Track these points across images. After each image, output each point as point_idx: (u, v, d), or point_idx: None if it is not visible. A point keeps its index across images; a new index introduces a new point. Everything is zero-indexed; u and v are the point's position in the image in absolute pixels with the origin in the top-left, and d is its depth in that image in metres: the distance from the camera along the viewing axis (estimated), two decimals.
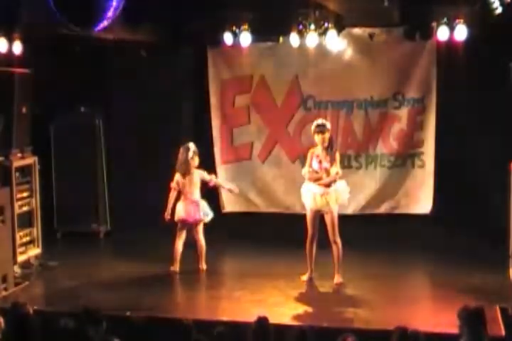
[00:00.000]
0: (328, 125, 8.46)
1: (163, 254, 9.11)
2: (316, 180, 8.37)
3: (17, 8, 8.24)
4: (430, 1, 8.37)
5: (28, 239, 9.31)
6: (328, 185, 8.34)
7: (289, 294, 8.15)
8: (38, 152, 9.66)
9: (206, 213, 8.98)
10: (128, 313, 7.02)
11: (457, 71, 9.54)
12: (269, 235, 9.98)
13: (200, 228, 8.99)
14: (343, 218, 8.60)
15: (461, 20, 8.34)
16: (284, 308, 7.65)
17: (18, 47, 8.92)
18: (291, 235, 9.17)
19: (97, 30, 7.42)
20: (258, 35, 9.28)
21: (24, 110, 9.28)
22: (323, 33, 8.99)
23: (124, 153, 10.73)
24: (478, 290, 8.01)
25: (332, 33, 8.98)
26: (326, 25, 8.93)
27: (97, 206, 10.93)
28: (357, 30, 9.96)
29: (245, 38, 9.14)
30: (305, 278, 8.63)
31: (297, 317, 7.42)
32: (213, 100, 10.71)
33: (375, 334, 6.47)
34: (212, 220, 9.21)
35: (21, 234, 9.15)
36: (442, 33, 8.53)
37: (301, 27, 8.97)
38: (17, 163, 9.11)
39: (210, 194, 9.95)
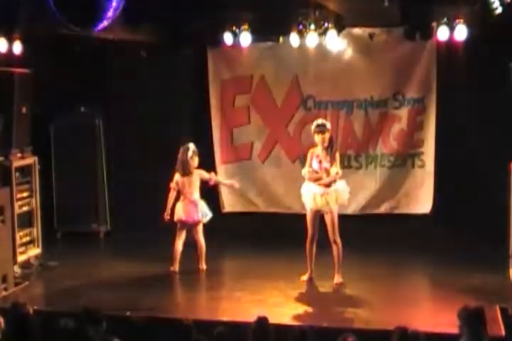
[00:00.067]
0: (328, 125, 8.47)
1: (163, 254, 9.11)
2: (316, 180, 8.37)
3: (17, 8, 8.24)
4: (430, 1, 8.37)
5: (28, 239, 9.32)
6: (328, 185, 8.34)
7: (289, 294, 8.15)
8: (38, 152, 9.66)
9: (205, 214, 8.98)
10: (128, 313, 7.02)
11: (457, 71, 9.54)
12: (269, 235, 9.98)
13: (200, 228, 8.99)
14: (343, 218, 8.60)
15: (461, 20, 8.35)
16: (284, 308, 7.65)
17: (18, 47, 8.93)
18: (291, 235, 9.17)
19: (97, 30, 7.42)
20: (258, 35, 9.28)
21: (24, 110, 9.28)
22: (323, 33, 8.99)
23: (124, 153, 10.73)
24: (478, 290, 8.01)
25: (332, 33, 8.99)
26: (326, 25, 8.93)
27: (97, 206, 10.93)
28: (357, 30, 9.96)
29: (245, 38, 9.15)
30: (305, 278, 8.63)
31: (297, 317, 7.43)
32: (213, 100, 10.71)
33: (375, 335, 6.47)
34: (212, 220, 9.21)
35: (21, 234, 9.15)
36: (442, 33, 8.53)
37: (301, 27, 8.98)
38: (17, 163, 9.11)
39: (210, 194, 9.95)
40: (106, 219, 10.99)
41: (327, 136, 8.36)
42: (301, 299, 8.06)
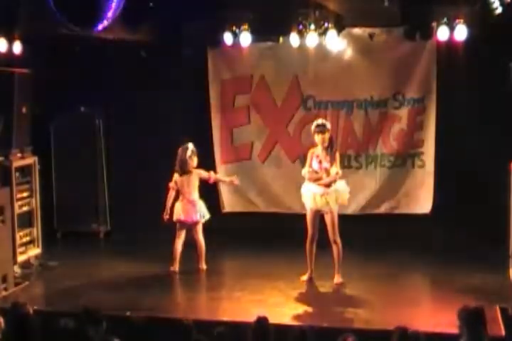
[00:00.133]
0: (328, 125, 8.46)
1: (163, 254, 9.11)
2: (316, 180, 8.37)
3: (17, 8, 8.25)
4: (430, 1, 8.39)
5: (28, 239, 9.31)
6: (328, 185, 8.34)
7: (289, 294, 8.15)
8: (38, 152, 9.66)
9: (203, 214, 8.97)
10: (128, 313, 7.02)
11: (457, 71, 9.54)
12: (269, 235, 9.98)
13: (199, 228, 8.99)
14: (343, 218, 8.59)
15: (461, 20, 8.36)
16: (284, 308, 7.65)
17: (18, 47, 8.93)
18: (291, 235, 9.17)
19: (97, 30, 7.43)
20: (258, 35, 9.30)
21: (24, 110, 9.28)
22: (323, 33, 9.01)
23: (124, 153, 10.73)
24: (478, 290, 8.01)
25: (332, 33, 9.00)
26: (326, 25, 8.94)
27: (97, 206, 10.93)
28: (357, 30, 9.96)
29: (245, 38, 9.16)
30: (305, 278, 8.63)
31: (297, 317, 7.42)
32: (213, 100, 10.71)
33: (375, 335, 6.47)
34: (212, 220, 9.21)
35: (21, 234, 9.15)
36: (442, 33, 8.55)
37: (301, 27, 8.99)
38: (17, 163, 9.11)
39: (210, 194, 9.96)
40: (106, 219, 10.99)
41: (327, 136, 8.36)
42: (301, 299, 8.06)
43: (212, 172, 9.14)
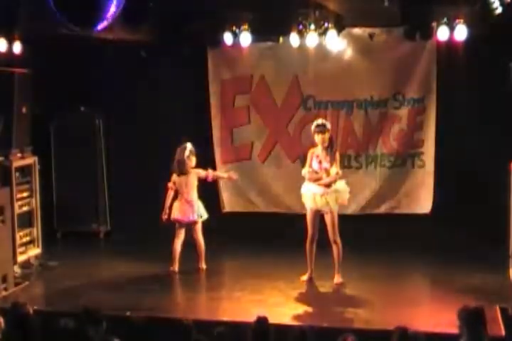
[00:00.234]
0: (328, 125, 8.47)
1: (163, 254, 9.11)
2: (316, 180, 8.37)
3: (17, 8, 8.25)
4: (430, 1, 8.37)
5: (28, 239, 9.32)
6: (328, 185, 8.34)
7: (289, 294, 8.15)
8: (38, 152, 9.66)
9: (200, 214, 8.97)
10: (128, 313, 7.02)
11: (457, 71, 9.54)
12: (269, 235, 9.98)
13: (198, 228, 9.00)
14: (343, 218, 8.60)
15: (461, 20, 8.35)
16: (284, 308, 7.65)
17: (18, 47, 8.93)
18: (291, 235, 9.18)
19: (97, 30, 7.42)
20: (258, 35, 9.29)
21: (24, 110, 9.28)
22: (323, 33, 9.00)
23: (124, 153, 10.73)
24: (478, 290, 8.01)
25: (332, 33, 8.99)
26: (326, 25, 8.94)
27: (97, 206, 10.94)
28: (357, 30, 9.96)
29: (245, 38, 9.16)
30: (305, 278, 8.63)
31: (297, 317, 7.43)
32: (213, 100, 10.71)
33: (375, 335, 6.47)
34: (212, 220, 9.22)
35: (21, 234, 9.15)
36: (442, 33, 8.54)
37: (301, 27, 8.98)
38: (17, 163, 9.12)
39: (210, 194, 9.97)
40: (106, 219, 10.99)
41: (327, 136, 8.37)
42: (301, 299, 8.06)
43: (209, 170, 9.12)
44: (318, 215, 8.44)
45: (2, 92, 8.94)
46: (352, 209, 10.08)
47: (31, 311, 5.97)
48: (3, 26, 8.59)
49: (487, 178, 9.44)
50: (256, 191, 10.72)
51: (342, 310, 7.68)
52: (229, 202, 10.81)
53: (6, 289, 8.31)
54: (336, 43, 9.47)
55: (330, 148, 8.38)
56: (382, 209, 10.35)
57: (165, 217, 8.92)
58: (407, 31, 9.14)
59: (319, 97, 10.39)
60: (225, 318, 7.29)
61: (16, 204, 9.00)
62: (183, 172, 8.89)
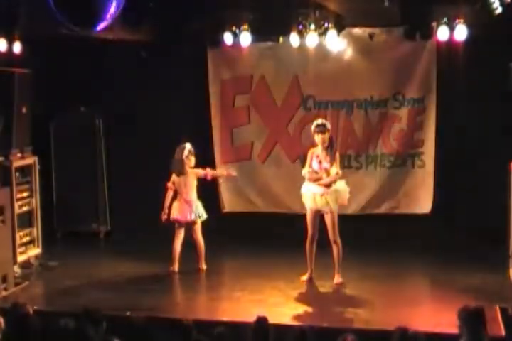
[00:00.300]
0: (328, 125, 8.47)
1: (163, 254, 9.10)
2: (316, 180, 8.37)
3: (17, 8, 8.25)
4: (430, 1, 8.38)
5: (28, 239, 9.31)
6: (328, 185, 8.34)
7: (289, 294, 8.15)
8: (38, 152, 9.66)
9: (199, 214, 8.96)
10: (128, 313, 7.02)
11: (457, 71, 9.54)
12: (269, 235, 9.98)
13: (198, 228, 9.00)
14: (343, 218, 8.59)
15: (461, 20, 8.35)
16: (284, 308, 7.65)
17: (18, 47, 8.93)
18: (291, 235, 9.17)
19: (97, 30, 7.42)
20: (258, 35, 9.29)
21: (24, 110, 9.28)
22: (323, 33, 9.00)
23: (124, 153, 10.73)
24: (478, 290, 8.01)
25: (332, 33, 9.00)
26: (326, 25, 8.94)
27: (97, 206, 10.94)
28: (357, 30, 9.96)
29: (245, 38, 9.15)
30: (305, 278, 8.63)
31: (297, 317, 7.42)
32: (213, 100, 10.71)
33: (375, 335, 6.47)
34: (212, 220, 9.22)
35: (21, 234, 9.15)
36: (442, 33, 8.54)
37: (301, 27, 8.99)
38: (17, 163, 9.11)
39: (210, 194, 9.97)
40: (106, 219, 10.99)
41: (327, 136, 8.37)
42: (301, 299, 8.06)
43: (208, 169, 9.10)
44: (318, 215, 8.45)
45: (2, 92, 8.94)
46: (352, 209, 10.07)
47: (31, 311, 5.97)
48: (3, 26, 8.59)
49: (487, 178, 9.44)
50: (256, 191, 10.72)
51: (342, 310, 7.68)
52: (229, 202, 10.80)
53: (6, 289, 8.31)
54: (336, 43, 9.47)
55: (330, 148, 8.39)
56: (382, 209, 10.35)
57: (164, 217, 8.93)
58: (407, 31, 9.14)
59: (319, 97, 10.39)
60: (225, 318, 7.28)
61: (16, 204, 9.00)
62: (181, 172, 8.89)
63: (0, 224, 8.35)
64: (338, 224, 8.38)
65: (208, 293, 8.55)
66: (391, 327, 5.58)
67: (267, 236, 9.93)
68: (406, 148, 10.21)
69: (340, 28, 9.12)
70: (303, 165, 8.77)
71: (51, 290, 8.68)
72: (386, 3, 7.85)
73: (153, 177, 9.68)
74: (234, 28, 9.15)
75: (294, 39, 9.15)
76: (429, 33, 8.85)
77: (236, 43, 9.31)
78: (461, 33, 8.42)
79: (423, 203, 10.17)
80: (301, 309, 7.72)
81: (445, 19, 8.42)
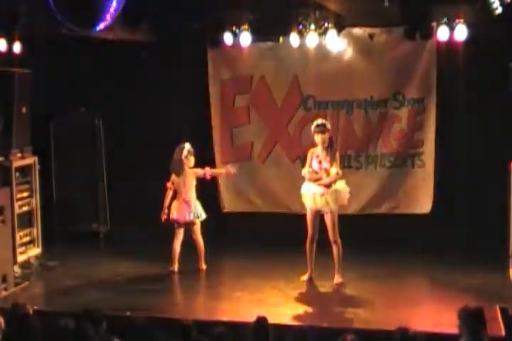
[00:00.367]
0: (328, 125, 8.47)
1: (163, 254, 9.10)
2: (316, 180, 8.37)
3: (17, 8, 8.25)
4: (430, 1, 8.38)
5: (28, 239, 9.31)
6: (328, 185, 8.34)
7: (289, 294, 8.15)
8: (38, 152, 9.66)
9: (198, 214, 8.96)
10: (128, 313, 7.02)
11: (457, 71, 9.54)
12: (269, 235, 9.97)
13: (197, 228, 9.00)
14: (343, 218, 8.59)
15: (461, 20, 8.35)
16: (284, 308, 7.65)
17: (18, 47, 8.93)
18: (291, 235, 9.17)
19: (97, 30, 7.43)
20: (258, 35, 9.29)
21: (24, 110, 9.28)
22: (323, 33, 9.01)
23: (124, 153, 10.73)
24: (478, 290, 8.02)
25: (332, 33, 9.00)
26: (326, 25, 8.94)
27: (97, 206, 10.94)
28: (357, 30, 9.96)
29: (245, 38, 9.16)
30: (305, 278, 8.63)
31: (297, 317, 7.42)
32: (213, 100, 10.71)
33: (375, 335, 6.47)
34: (213, 220, 9.22)
35: (21, 234, 9.14)
36: (442, 33, 8.54)
37: (301, 27, 8.99)
38: (17, 163, 9.11)
39: (210, 194, 9.97)
40: (106, 219, 10.99)
41: (327, 136, 8.37)
42: (301, 299, 8.06)
43: (207, 168, 9.09)
44: (318, 215, 8.45)
45: (2, 92, 8.94)
46: (352, 209, 10.06)
47: (31, 311, 5.97)
48: (3, 26, 8.59)
49: (487, 178, 9.44)
50: (256, 191, 10.72)
51: (342, 310, 7.69)
52: (229, 202, 10.80)
53: (6, 289, 8.31)
54: (336, 43, 9.47)
55: (330, 148, 8.39)
56: (383, 209, 10.34)
57: (164, 217, 8.93)
58: (407, 31, 9.15)
59: (319, 97, 10.39)
60: (225, 318, 7.27)
61: (16, 204, 8.99)
62: (180, 172, 8.90)
63: (0, 224, 8.35)
64: (338, 224, 8.39)
65: (208, 293, 8.55)
66: (391, 327, 5.59)
67: (267, 236, 9.92)
68: (406, 148, 10.20)
69: (340, 28, 9.13)
70: (303, 165, 8.77)
71: (51, 290, 8.68)
72: (386, 3, 7.86)
73: (153, 177, 9.68)
74: (234, 28, 9.15)
75: (294, 39, 9.15)
76: (429, 33, 8.86)
77: (236, 43, 9.31)
78: (461, 33, 8.42)
79: (423, 203, 10.16)
80: (301, 309, 7.72)
81: (445, 19, 8.42)
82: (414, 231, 9.83)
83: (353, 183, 9.20)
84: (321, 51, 9.67)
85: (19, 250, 9.04)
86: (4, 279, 8.30)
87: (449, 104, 9.84)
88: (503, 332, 6.55)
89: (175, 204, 8.95)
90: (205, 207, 9.11)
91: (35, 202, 9.48)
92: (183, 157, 8.86)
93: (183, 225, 8.98)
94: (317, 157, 8.41)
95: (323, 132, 8.34)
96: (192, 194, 8.95)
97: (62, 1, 7.14)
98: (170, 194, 8.97)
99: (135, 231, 10.33)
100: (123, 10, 7.36)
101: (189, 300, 8.35)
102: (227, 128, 10.74)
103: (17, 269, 8.91)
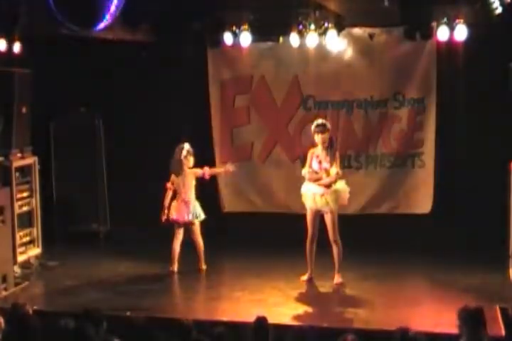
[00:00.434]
0: (328, 125, 8.48)
1: (163, 254, 9.11)
2: (316, 180, 8.38)
3: (17, 8, 8.26)
4: (430, 1, 8.38)
5: (28, 239, 9.31)
6: (328, 186, 8.34)
7: (289, 294, 8.15)
8: (38, 152, 9.66)
9: (197, 215, 8.96)
10: (128, 313, 7.02)
11: (457, 71, 9.54)
12: (269, 235, 9.97)
13: (196, 228, 9.00)
14: (343, 218, 8.60)
15: (461, 20, 8.35)
16: (284, 308, 7.65)
17: (18, 47, 8.93)
18: (291, 235, 9.17)
19: (97, 30, 7.43)
20: (258, 35, 9.29)
21: (24, 110, 9.28)
22: (323, 33, 9.01)
23: (124, 152, 10.73)
24: (478, 290, 8.02)
25: (332, 33, 9.00)
26: (326, 25, 8.95)
27: (97, 206, 10.94)
28: (357, 30, 9.96)
29: (245, 38, 9.16)
30: (305, 278, 8.63)
31: (297, 317, 7.42)
32: (213, 100, 10.71)
33: (376, 335, 6.47)
34: (212, 220, 9.22)
35: (21, 234, 9.15)
36: (442, 33, 8.54)
37: (301, 27, 8.99)
38: (17, 163, 9.11)
39: (211, 194, 9.97)
40: (106, 219, 10.99)
41: (327, 136, 8.37)
42: (301, 299, 8.06)
43: (205, 168, 9.08)
44: (318, 215, 8.45)
45: (2, 92, 8.94)
46: (352, 209, 10.06)
47: (31, 311, 5.97)
48: (3, 26, 8.59)
49: (487, 178, 9.43)
50: (256, 191, 10.72)
51: (342, 310, 7.69)
52: (229, 202, 10.80)
53: (6, 289, 8.31)
54: (336, 43, 9.47)
55: (330, 148, 8.39)
56: (382, 209, 10.34)
57: (164, 217, 8.93)
58: (407, 31, 9.14)
59: (319, 97, 10.39)
60: (225, 318, 7.27)
61: (16, 204, 9.00)
62: (179, 172, 8.90)
63: (0, 224, 8.35)
64: (338, 224, 8.39)
65: (208, 293, 8.54)
66: (391, 327, 5.59)
67: (267, 236, 9.92)
68: (406, 148, 10.20)
69: (340, 28, 9.13)
70: (303, 165, 8.77)
71: (51, 290, 8.69)
72: (386, 3, 7.86)
73: (153, 177, 9.68)
74: (234, 28, 9.15)
75: (294, 39, 9.15)
76: (429, 33, 8.86)
77: (236, 43, 9.32)
78: (461, 33, 8.42)
79: (423, 203, 10.16)
80: (301, 309, 7.72)
81: (445, 19, 8.42)
82: (414, 231, 9.82)
83: (353, 183, 9.20)
84: (321, 51, 9.67)
85: (19, 250, 9.04)
86: (4, 279, 8.30)
87: (449, 104, 9.84)
88: (503, 332, 6.55)
89: (174, 204, 8.96)
90: (205, 207, 9.11)
91: (35, 202, 9.48)
92: (182, 157, 8.87)
93: (183, 225, 8.98)
94: (317, 157, 8.41)
95: (323, 132, 8.35)
96: (191, 194, 8.95)
97: (62, 1, 7.14)
98: (170, 194, 8.97)
99: (135, 231, 10.33)
100: (123, 10, 7.35)
101: (189, 300, 8.35)
102: (227, 128, 10.74)
103: (17, 269, 8.91)
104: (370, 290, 8.29)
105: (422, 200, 10.17)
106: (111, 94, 10.58)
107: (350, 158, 10.33)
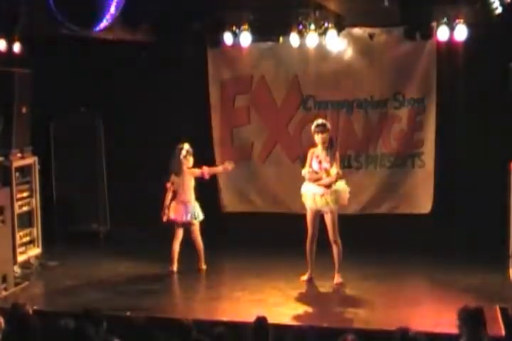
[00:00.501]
0: (328, 125, 8.48)
1: (163, 254, 9.11)
2: (316, 180, 8.37)
3: (17, 8, 8.26)
4: (430, 1, 8.38)
5: (28, 239, 9.32)
6: (328, 186, 8.34)
7: (289, 294, 8.15)
8: (38, 152, 9.66)
9: (195, 215, 8.96)
10: (128, 313, 7.02)
11: (457, 71, 9.54)
12: (269, 235, 9.97)
13: (195, 228, 9.00)
14: (343, 218, 8.60)
15: (461, 20, 8.35)
16: (284, 308, 7.65)
17: (18, 47, 8.93)
18: (291, 235, 9.17)
19: (97, 30, 7.43)
20: (258, 35, 9.29)
21: (24, 110, 9.28)
22: (323, 33, 9.01)
23: (124, 152, 10.73)
24: (478, 290, 8.02)
25: (332, 33, 9.00)
26: (326, 25, 8.95)
27: (97, 206, 10.94)
28: (357, 30, 9.96)
29: (245, 38, 9.16)
30: (305, 278, 8.63)
31: (297, 317, 7.42)
32: (213, 100, 10.71)
33: (376, 335, 6.47)
34: (212, 220, 9.22)
35: (21, 234, 9.15)
36: (442, 33, 8.54)
37: (301, 27, 8.99)
38: (17, 163, 9.11)
39: (211, 194, 9.96)
40: (106, 219, 10.99)
41: (327, 136, 8.37)
42: (301, 299, 8.06)
43: (204, 167, 9.07)
44: (318, 215, 8.45)
45: (2, 92, 8.94)
46: (352, 209, 10.06)
47: (31, 311, 5.97)
48: (3, 26, 8.59)
49: (487, 178, 9.43)
50: (256, 191, 10.72)
51: (342, 310, 7.69)
52: (229, 202, 10.80)
53: (6, 289, 8.31)
54: (336, 43, 9.47)
55: (330, 148, 8.39)
56: (383, 209, 10.34)
57: (165, 217, 8.94)
58: (407, 31, 9.14)
59: (319, 97, 10.38)
60: (225, 318, 7.28)
61: (16, 204, 9.00)
62: (179, 172, 8.90)
63: (0, 224, 8.35)
64: (338, 224, 8.39)
65: (208, 293, 8.54)
66: (391, 327, 5.59)
67: (267, 236, 9.92)
68: (406, 148, 10.20)
69: (340, 28, 9.13)
70: (303, 165, 8.77)
71: (51, 290, 8.69)
72: (386, 3, 7.86)
73: (153, 177, 9.69)
74: (234, 28, 9.15)
75: (294, 39, 9.15)
76: (429, 33, 8.86)
77: (236, 43, 9.32)
78: (461, 33, 8.42)
79: (423, 203, 10.16)
80: (301, 309, 7.72)
81: (445, 19, 8.42)
82: (414, 231, 9.82)
83: (353, 183, 9.20)
84: (321, 51, 9.67)
85: (19, 250, 9.05)
86: (4, 279, 8.31)
87: (449, 104, 9.84)
88: (503, 332, 6.55)
89: (173, 204, 8.97)
90: (206, 207, 9.11)
91: (35, 202, 9.48)
92: (181, 157, 8.87)
93: (182, 225, 8.98)
94: (317, 157, 8.41)
95: (323, 132, 8.35)
96: (190, 194, 8.95)
97: (62, 1, 7.14)
98: (169, 194, 8.98)
99: (135, 231, 10.33)
100: (123, 10, 7.35)
101: (189, 300, 8.35)
102: (227, 128, 10.74)
103: (17, 269, 8.91)
104: (370, 290, 8.29)
105: (422, 200, 10.17)
106: (111, 94, 10.58)
107: (350, 158, 10.33)
